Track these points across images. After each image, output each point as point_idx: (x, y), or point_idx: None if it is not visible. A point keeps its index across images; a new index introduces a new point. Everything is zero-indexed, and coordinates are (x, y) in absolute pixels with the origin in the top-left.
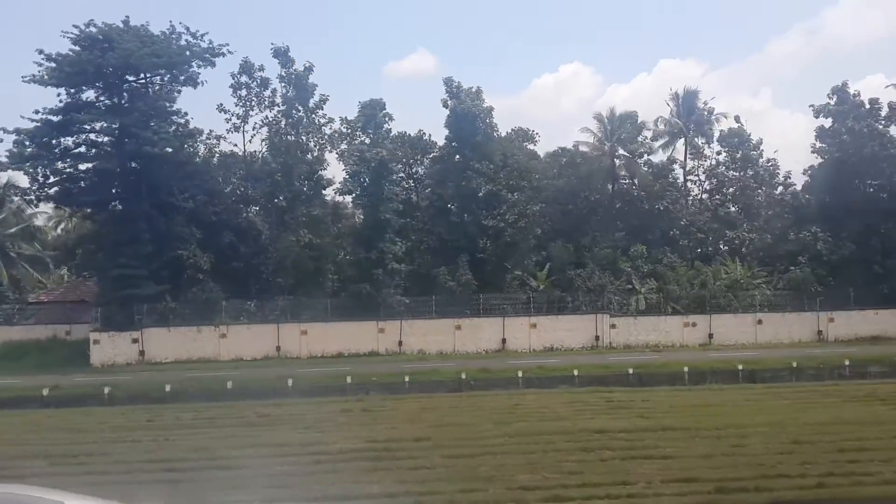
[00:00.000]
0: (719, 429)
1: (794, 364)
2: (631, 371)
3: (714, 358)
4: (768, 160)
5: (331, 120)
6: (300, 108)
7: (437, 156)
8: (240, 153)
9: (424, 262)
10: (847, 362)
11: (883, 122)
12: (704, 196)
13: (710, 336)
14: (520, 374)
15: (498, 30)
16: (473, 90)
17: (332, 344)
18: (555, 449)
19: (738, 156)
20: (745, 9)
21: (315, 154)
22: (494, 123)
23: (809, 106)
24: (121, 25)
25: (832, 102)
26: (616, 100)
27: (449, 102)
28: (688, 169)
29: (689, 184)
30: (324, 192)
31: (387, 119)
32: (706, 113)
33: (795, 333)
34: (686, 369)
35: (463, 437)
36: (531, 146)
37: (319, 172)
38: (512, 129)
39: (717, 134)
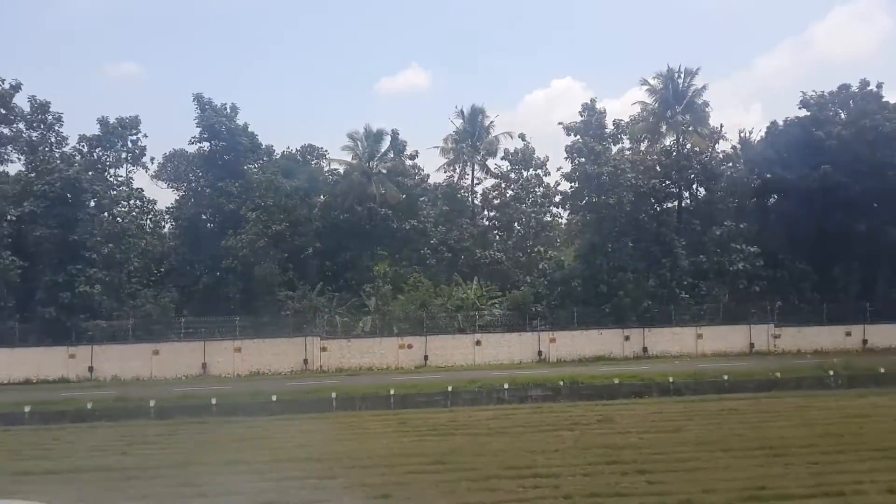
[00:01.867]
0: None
1: (450, 388)
2: (275, 398)
3: (381, 382)
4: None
5: None
6: None
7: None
8: None
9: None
10: (506, 385)
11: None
12: (482, 215)
13: (426, 358)
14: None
15: (490, 45)
16: (228, 108)
17: (17, 370)
18: None
19: (524, 174)
20: (736, 24)
21: None
22: (269, 145)
23: (559, 123)
24: None
25: (582, 117)
26: (610, 113)
27: (202, 120)
28: (469, 187)
29: (474, 202)
30: None
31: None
32: (489, 131)
33: (516, 354)
34: (334, 395)
35: None
36: (320, 163)
37: None
38: (302, 146)
39: (500, 152)
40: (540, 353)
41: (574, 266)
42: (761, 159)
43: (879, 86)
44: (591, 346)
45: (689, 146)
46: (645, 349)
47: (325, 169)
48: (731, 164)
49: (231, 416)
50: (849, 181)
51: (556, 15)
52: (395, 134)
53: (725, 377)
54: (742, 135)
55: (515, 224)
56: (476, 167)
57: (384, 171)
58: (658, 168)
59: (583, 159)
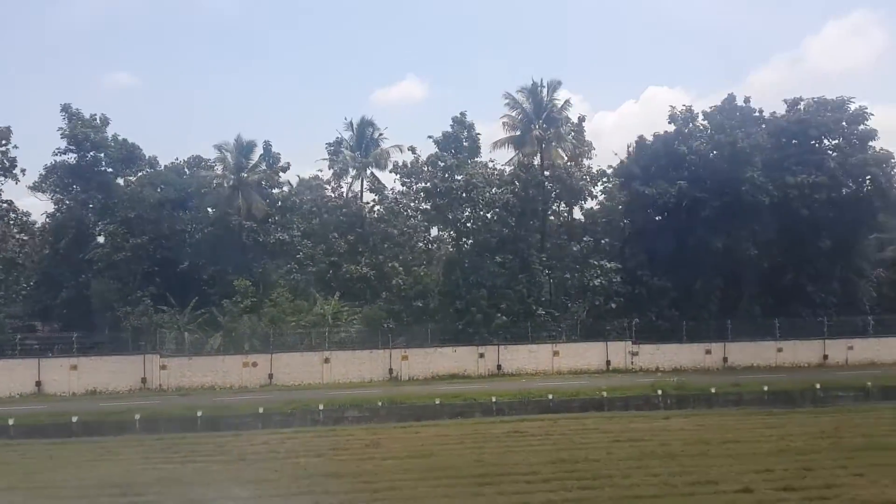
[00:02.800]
0: None
1: (261, 409)
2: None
3: (201, 403)
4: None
5: None
6: None
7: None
8: None
9: None
10: (321, 406)
11: None
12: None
13: (271, 376)
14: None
15: (487, 56)
16: (98, 119)
17: None
18: None
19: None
20: (732, 37)
21: None
22: (153, 156)
23: (428, 136)
24: None
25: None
26: (606, 125)
27: (67, 131)
28: (353, 200)
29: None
30: None
31: None
32: (378, 143)
33: (367, 372)
34: (138, 417)
35: None
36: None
37: None
38: (189, 157)
39: (390, 165)
40: (391, 371)
41: (427, 282)
42: (626, 175)
43: (747, 100)
44: (445, 363)
45: (556, 161)
46: (499, 367)
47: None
48: (605, 180)
49: None
50: (707, 197)
51: (552, 26)
52: (267, 145)
53: (550, 396)
54: (630, 149)
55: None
56: (365, 180)
57: (252, 183)
58: (517, 183)
59: (438, 174)
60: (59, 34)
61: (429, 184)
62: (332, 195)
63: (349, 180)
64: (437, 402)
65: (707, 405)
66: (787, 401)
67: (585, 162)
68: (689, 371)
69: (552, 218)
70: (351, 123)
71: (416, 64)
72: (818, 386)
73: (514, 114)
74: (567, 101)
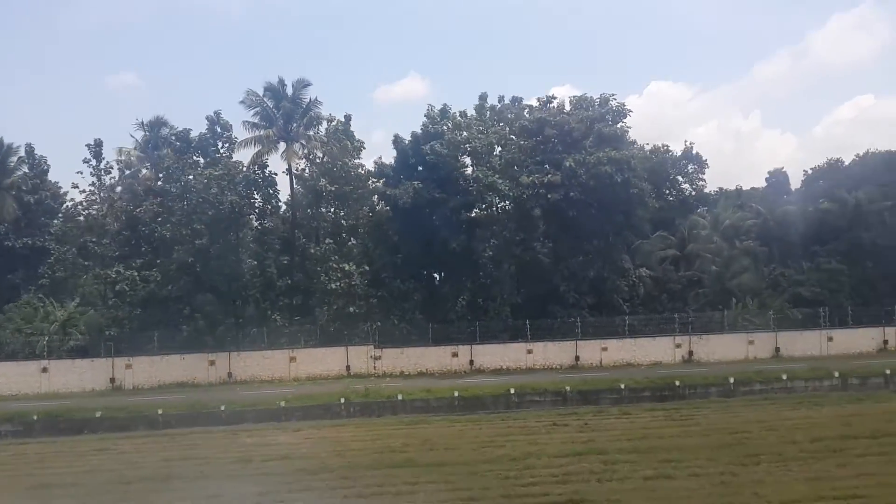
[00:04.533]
0: None
1: None
2: None
3: None
4: None
5: None
6: None
7: None
8: None
9: None
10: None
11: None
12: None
13: None
14: None
15: (489, 53)
16: None
17: None
18: None
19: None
20: (736, 32)
21: None
22: None
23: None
24: None
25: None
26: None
27: None
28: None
29: None
30: None
31: None
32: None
33: (88, 382)
34: None
35: None
36: None
37: None
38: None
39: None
40: (113, 380)
41: (151, 287)
42: (381, 175)
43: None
44: (173, 372)
45: (291, 162)
46: (230, 374)
47: None
48: (376, 179)
49: None
50: (446, 197)
51: (555, 22)
52: (30, 149)
53: (223, 407)
54: None
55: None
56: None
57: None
58: (244, 185)
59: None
60: None
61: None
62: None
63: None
64: (98, 414)
65: (392, 412)
66: (478, 406)
67: (357, 162)
68: (436, 374)
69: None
70: (142, 123)
71: (418, 61)
72: (512, 391)
73: (250, 114)
74: (315, 100)
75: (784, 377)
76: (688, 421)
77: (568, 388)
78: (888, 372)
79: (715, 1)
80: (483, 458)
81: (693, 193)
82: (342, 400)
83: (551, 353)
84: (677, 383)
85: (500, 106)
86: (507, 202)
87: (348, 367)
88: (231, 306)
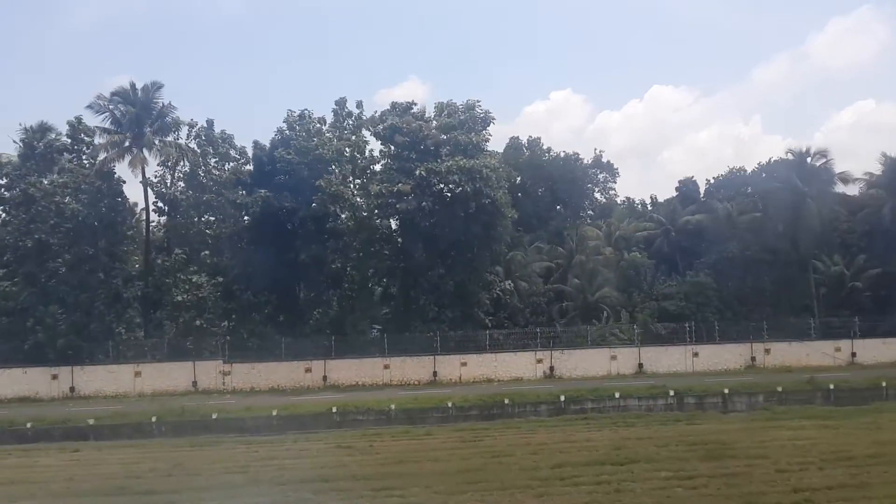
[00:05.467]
0: None
1: None
2: None
3: None
4: None
5: None
6: None
7: None
8: None
9: None
10: None
11: None
12: None
13: None
14: None
15: (489, 57)
16: None
17: None
18: None
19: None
20: (737, 36)
21: None
22: None
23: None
24: None
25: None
26: (611, 125)
27: None
28: None
29: None
30: None
31: None
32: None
33: None
34: None
35: None
36: None
37: None
38: None
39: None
40: None
41: None
42: (240, 183)
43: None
44: (14, 386)
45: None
46: (73, 389)
47: None
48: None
49: None
50: (295, 207)
51: (556, 26)
52: None
53: (28, 425)
54: None
55: None
56: None
57: None
58: (91, 194)
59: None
60: None
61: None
62: None
63: None
64: None
65: (207, 431)
66: (298, 425)
67: (227, 167)
68: (287, 391)
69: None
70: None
71: (418, 65)
72: (334, 409)
73: (100, 119)
74: (169, 105)
75: (617, 395)
76: (475, 443)
77: (393, 406)
78: (726, 391)
79: (715, 4)
80: (191, 486)
81: (605, 202)
82: (154, 419)
83: (409, 369)
84: (506, 401)
85: (358, 112)
86: (359, 212)
87: (195, 383)
88: (76, 318)
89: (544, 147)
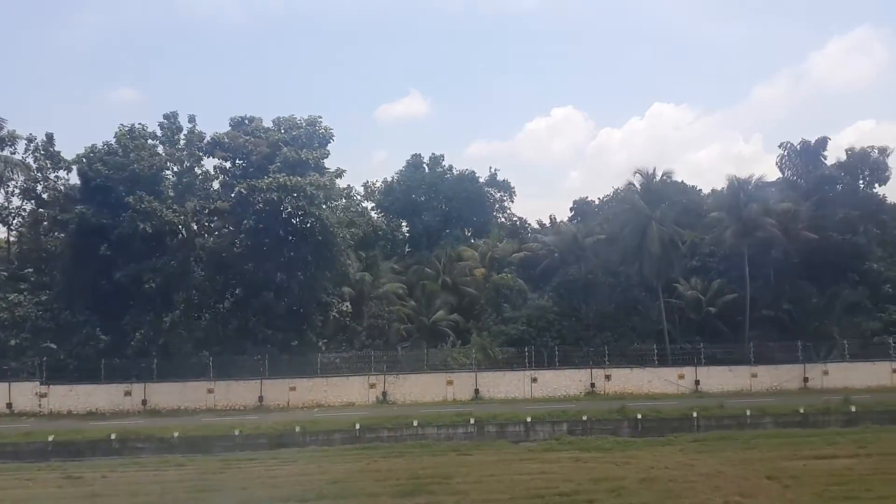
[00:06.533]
0: None
1: None
2: None
3: None
4: None
5: None
6: None
7: None
8: None
9: None
10: None
11: None
12: None
13: None
14: None
15: (491, 73)
16: None
17: None
18: None
19: None
20: (738, 55)
21: None
22: None
23: None
24: None
25: None
26: (612, 143)
27: None
28: None
29: None
30: None
31: None
32: None
33: None
34: None
35: None
36: None
37: None
38: None
39: None
40: None
41: None
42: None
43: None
44: None
45: None
46: None
47: None
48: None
49: None
50: (113, 223)
51: (557, 44)
52: None
53: None
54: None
55: None
56: None
57: None
58: None
59: None
60: None
61: None
62: None
63: None
64: None
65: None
66: (74, 453)
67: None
68: (107, 415)
69: None
70: None
71: (419, 80)
72: (113, 436)
73: None
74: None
75: (415, 423)
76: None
77: (176, 434)
78: (529, 419)
79: (716, 23)
80: None
81: (503, 221)
82: None
83: (235, 394)
84: (297, 429)
85: (191, 126)
86: (174, 228)
87: (10, 405)
88: None
89: (446, 165)
